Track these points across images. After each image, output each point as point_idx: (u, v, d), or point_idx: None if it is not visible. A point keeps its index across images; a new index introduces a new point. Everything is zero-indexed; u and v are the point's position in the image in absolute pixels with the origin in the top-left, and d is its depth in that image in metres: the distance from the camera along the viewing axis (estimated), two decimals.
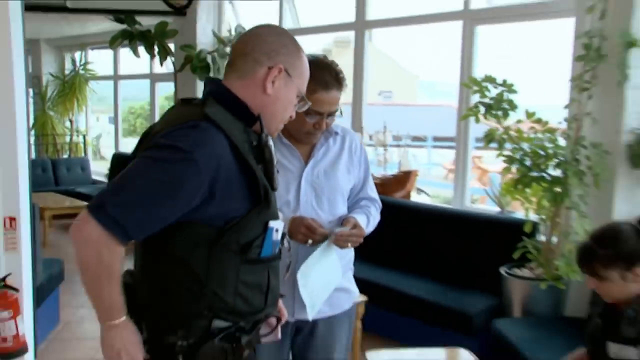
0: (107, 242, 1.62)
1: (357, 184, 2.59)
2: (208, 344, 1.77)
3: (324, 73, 2.30)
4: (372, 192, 2.66)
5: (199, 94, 6.25)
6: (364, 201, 2.61)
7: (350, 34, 6.38)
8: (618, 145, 4.08)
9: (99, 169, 10.77)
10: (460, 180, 5.52)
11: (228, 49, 7.01)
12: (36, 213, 4.38)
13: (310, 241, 2.29)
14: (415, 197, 6.26)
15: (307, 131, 2.36)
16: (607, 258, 2.38)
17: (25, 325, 4.02)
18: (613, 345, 2.45)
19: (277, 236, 1.85)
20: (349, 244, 2.41)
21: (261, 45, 1.84)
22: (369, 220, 2.54)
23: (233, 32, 7.13)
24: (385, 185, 5.84)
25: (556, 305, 4.26)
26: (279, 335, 2.09)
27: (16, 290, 3.92)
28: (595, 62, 4.00)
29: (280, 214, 1.95)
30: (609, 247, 2.40)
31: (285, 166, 2.36)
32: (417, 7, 6.47)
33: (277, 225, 1.84)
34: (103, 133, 14.09)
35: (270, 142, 1.86)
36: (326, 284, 2.44)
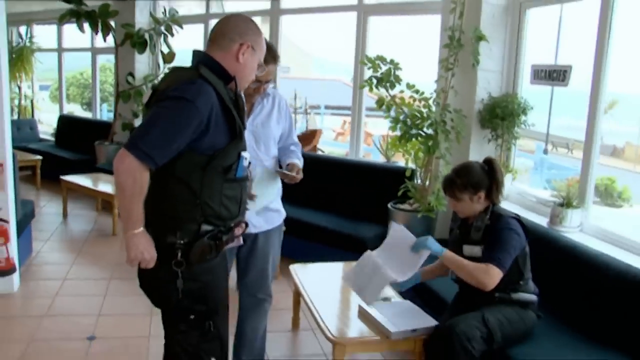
0: (140, 169, 1.95)
1: (284, 132, 3.00)
2: (199, 242, 2.09)
3: (269, 52, 2.60)
4: (296, 137, 3.10)
5: (138, 65, 6.51)
6: (292, 146, 3.05)
7: (257, 20, 6.60)
8: (472, 111, 4.63)
9: (46, 130, 10.53)
10: (355, 138, 6.02)
11: (163, 28, 7.13)
12: (15, 160, 4.54)
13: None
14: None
15: (249, 94, 2.74)
16: (462, 185, 2.95)
17: (12, 251, 4.28)
18: (466, 247, 3.01)
19: (246, 163, 2.22)
20: (296, 178, 2.88)
21: (235, 27, 2.21)
22: (300, 160, 3.02)
23: (167, 14, 7.24)
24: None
25: (428, 229, 4.62)
26: (242, 241, 2.54)
27: (6, 222, 4.16)
28: (456, 49, 4.51)
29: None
30: (463, 177, 2.96)
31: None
32: None
33: (246, 155, 2.22)
34: (45, 99, 13.65)
35: (242, 96, 2.28)
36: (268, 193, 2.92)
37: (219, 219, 2.15)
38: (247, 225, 2.36)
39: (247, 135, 2.73)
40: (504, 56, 4.65)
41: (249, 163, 2.29)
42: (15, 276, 4.43)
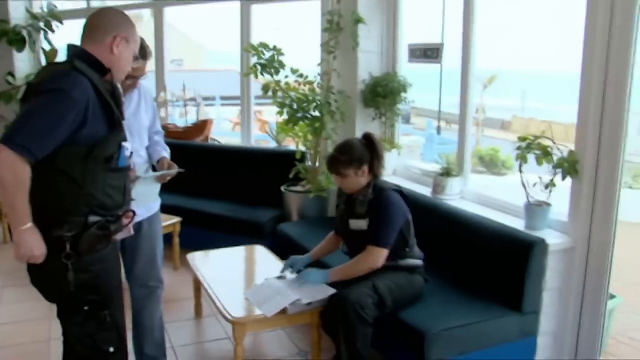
0: (19, 162, 1.92)
1: (151, 120, 3.02)
2: (87, 233, 2.09)
3: (141, 49, 2.62)
4: (159, 126, 3.15)
5: (17, 63, 6.15)
6: (156, 135, 3.09)
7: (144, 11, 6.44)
8: (355, 92, 4.74)
9: None
10: (246, 125, 6.05)
11: (42, 24, 6.79)
12: None
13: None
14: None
15: (124, 88, 2.70)
16: (345, 161, 3.05)
17: None
18: (352, 221, 3.14)
19: (127, 153, 2.23)
20: (167, 178, 2.94)
21: (108, 20, 2.21)
22: (167, 152, 3.07)
23: (45, 9, 6.90)
24: (188, 132, 6.19)
25: (321, 209, 4.82)
26: (132, 231, 2.53)
27: None
28: (336, 33, 4.61)
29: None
30: (345, 154, 3.06)
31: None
32: None
33: (127, 145, 2.23)
34: None
35: (119, 87, 2.28)
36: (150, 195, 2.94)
37: (104, 209, 2.15)
38: (134, 214, 2.36)
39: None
40: (382, 37, 4.79)
41: (131, 153, 2.30)
42: None
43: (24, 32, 6.64)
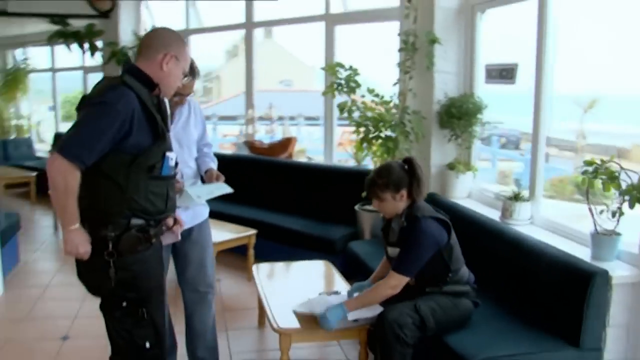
0: (70, 169, 2.10)
1: (200, 133, 3.17)
2: (127, 234, 2.25)
3: (190, 68, 2.73)
4: (208, 138, 3.28)
5: None
6: (205, 147, 3.22)
7: (259, 33, 6.71)
8: (431, 112, 4.70)
9: (42, 148, 10.70)
10: (328, 144, 6.16)
11: None
12: None
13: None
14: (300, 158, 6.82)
15: (172, 104, 2.82)
16: (383, 185, 3.00)
17: None
18: (389, 249, 3.12)
19: (172, 163, 2.37)
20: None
21: (160, 39, 2.38)
22: (215, 162, 3.21)
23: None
24: (272, 149, 6.40)
25: None
26: (179, 237, 2.67)
27: None
28: (411, 52, 4.63)
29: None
30: (384, 177, 3.02)
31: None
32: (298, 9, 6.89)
33: (171, 155, 2.37)
34: (42, 120, 13.95)
35: (166, 101, 2.42)
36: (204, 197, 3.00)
37: (146, 213, 2.30)
38: (176, 220, 2.49)
39: (172, 140, 2.91)
40: (459, 58, 4.73)
41: (176, 163, 2.43)
42: None
43: (130, 53, 7.16)
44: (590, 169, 3.10)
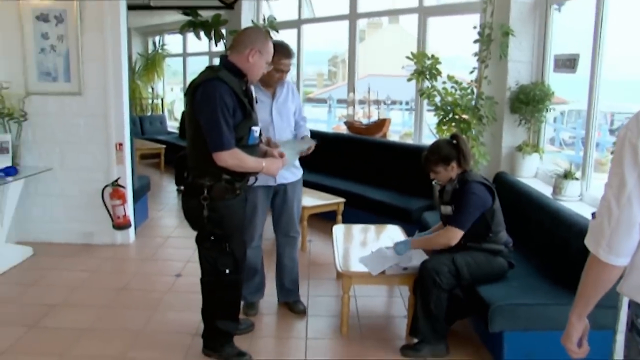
0: (232, 153, 2.91)
1: (297, 109, 3.90)
2: (217, 184, 3.00)
3: (285, 50, 3.59)
4: (304, 113, 4.03)
5: None
6: (302, 121, 3.95)
7: (383, 19, 7.22)
8: (503, 98, 5.14)
9: (174, 124, 11.97)
10: (418, 125, 6.69)
11: None
12: (132, 143, 5.75)
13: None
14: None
15: (275, 80, 3.66)
16: (434, 160, 3.58)
17: (129, 211, 5.45)
18: (442, 207, 3.68)
19: (256, 134, 3.11)
20: (309, 151, 3.73)
21: (247, 37, 3.09)
22: (307, 132, 3.91)
23: (266, 20, 8.26)
24: (369, 129, 7.04)
25: None
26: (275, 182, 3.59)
27: (123, 187, 5.34)
28: (487, 44, 5.08)
29: (260, 124, 3.22)
30: (434, 154, 3.59)
31: (263, 101, 3.63)
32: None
33: (256, 129, 3.11)
34: (176, 100, 15.36)
35: (252, 88, 3.16)
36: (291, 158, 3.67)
37: (233, 173, 3.03)
38: (256, 178, 3.26)
39: (274, 112, 3.74)
40: (532, 48, 5.11)
41: (260, 134, 3.18)
42: (131, 231, 5.62)
43: None
44: None
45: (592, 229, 1.72)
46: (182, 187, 3.23)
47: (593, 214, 1.77)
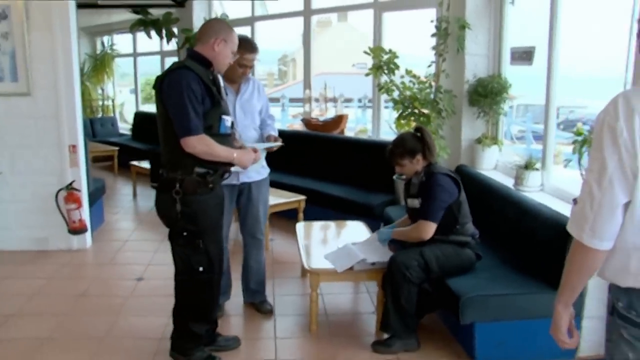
0: (200, 139, 2.83)
1: (263, 107, 3.82)
2: (189, 177, 2.93)
3: (248, 44, 3.53)
4: (271, 112, 3.93)
5: None
6: (268, 119, 3.87)
7: (332, 17, 7.24)
8: (462, 91, 5.19)
9: (125, 126, 11.66)
10: (376, 121, 6.70)
11: None
12: (86, 145, 5.56)
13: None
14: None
15: (238, 75, 3.59)
16: (400, 153, 3.57)
17: (85, 215, 5.27)
18: (409, 200, 3.66)
19: (228, 123, 3.03)
20: (274, 148, 3.67)
21: (212, 27, 3.05)
22: (275, 131, 3.81)
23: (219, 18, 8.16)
24: (326, 126, 7.01)
25: None
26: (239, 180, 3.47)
27: (78, 190, 5.16)
28: (444, 37, 5.11)
29: (230, 115, 3.14)
30: (399, 147, 3.57)
31: (227, 97, 3.55)
32: None
33: (227, 118, 3.03)
34: (126, 102, 15.04)
35: (219, 76, 3.09)
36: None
37: (207, 163, 2.96)
38: (230, 172, 3.19)
39: (237, 109, 3.65)
40: (489, 41, 5.16)
41: (232, 123, 3.11)
42: (88, 236, 5.43)
43: None
44: (580, 138, 3.53)
45: (574, 215, 1.72)
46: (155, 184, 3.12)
47: (574, 200, 1.77)
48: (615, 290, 1.74)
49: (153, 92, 3.04)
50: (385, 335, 3.53)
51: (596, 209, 1.62)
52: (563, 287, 1.79)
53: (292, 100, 15.53)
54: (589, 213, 1.64)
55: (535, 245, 3.57)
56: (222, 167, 3.09)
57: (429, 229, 3.46)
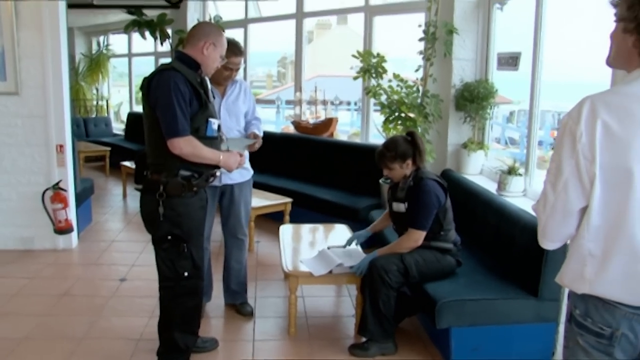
0: (187, 140, 2.82)
1: (249, 109, 3.81)
2: (174, 180, 2.90)
3: (234, 47, 3.50)
4: (257, 114, 3.91)
5: None
6: (255, 120, 3.84)
7: (332, 20, 7.24)
8: (449, 96, 5.18)
9: (120, 126, 11.60)
10: (365, 124, 6.69)
11: None
12: (74, 145, 5.56)
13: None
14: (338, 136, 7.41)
15: (224, 78, 3.59)
16: (391, 157, 3.53)
17: (71, 215, 5.26)
18: (394, 204, 3.63)
19: (214, 126, 3.01)
20: (256, 146, 3.64)
21: (201, 30, 3.03)
22: (260, 131, 3.78)
23: (213, 20, 8.15)
24: (316, 128, 7.00)
25: None
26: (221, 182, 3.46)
27: (65, 190, 5.15)
28: (432, 42, 5.11)
29: (218, 118, 3.14)
30: (392, 150, 3.53)
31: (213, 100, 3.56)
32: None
33: (214, 121, 3.02)
34: (124, 102, 15.02)
35: (207, 79, 3.08)
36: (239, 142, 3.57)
37: (193, 166, 2.94)
38: (215, 176, 3.16)
39: (223, 111, 3.65)
40: (476, 46, 5.16)
41: (219, 126, 3.09)
42: (74, 235, 5.42)
43: None
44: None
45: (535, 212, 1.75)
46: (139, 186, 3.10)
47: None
48: (573, 297, 1.74)
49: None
50: (363, 339, 3.52)
51: (549, 212, 1.63)
52: None
53: (287, 102, 15.55)
54: (541, 215, 1.66)
55: (515, 250, 3.56)
56: (207, 171, 3.05)
57: (420, 237, 3.45)
